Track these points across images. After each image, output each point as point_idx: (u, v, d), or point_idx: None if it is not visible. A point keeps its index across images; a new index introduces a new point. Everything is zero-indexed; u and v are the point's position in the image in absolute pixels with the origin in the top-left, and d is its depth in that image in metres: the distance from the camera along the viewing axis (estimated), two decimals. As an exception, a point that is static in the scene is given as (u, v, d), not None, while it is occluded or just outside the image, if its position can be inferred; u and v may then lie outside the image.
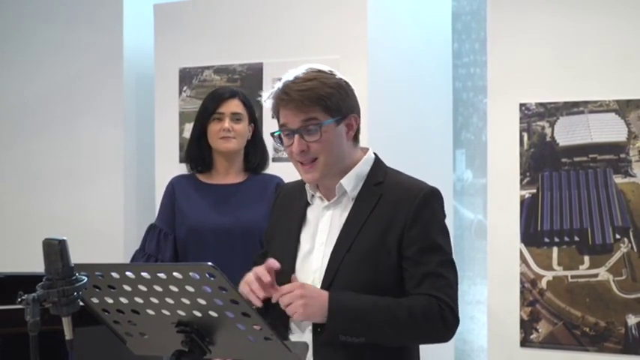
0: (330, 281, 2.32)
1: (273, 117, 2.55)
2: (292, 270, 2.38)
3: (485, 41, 3.98)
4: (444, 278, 2.31)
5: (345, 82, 2.37)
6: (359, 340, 2.26)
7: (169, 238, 3.46)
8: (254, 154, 3.49)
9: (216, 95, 3.48)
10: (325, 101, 2.29)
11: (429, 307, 2.27)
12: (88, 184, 4.88)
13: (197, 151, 3.49)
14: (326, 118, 2.30)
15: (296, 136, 2.31)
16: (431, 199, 2.35)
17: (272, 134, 2.39)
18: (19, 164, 5.05)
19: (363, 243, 2.32)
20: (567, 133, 3.64)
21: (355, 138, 2.41)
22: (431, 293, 2.28)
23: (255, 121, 3.49)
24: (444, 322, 2.29)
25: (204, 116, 3.46)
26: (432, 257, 2.31)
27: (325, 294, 2.26)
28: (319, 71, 2.34)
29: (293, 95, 2.29)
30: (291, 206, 2.50)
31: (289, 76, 2.34)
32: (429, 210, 2.34)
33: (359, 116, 2.40)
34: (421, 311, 2.26)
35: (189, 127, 4.51)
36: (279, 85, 2.34)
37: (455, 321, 2.32)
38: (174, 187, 3.53)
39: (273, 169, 3.63)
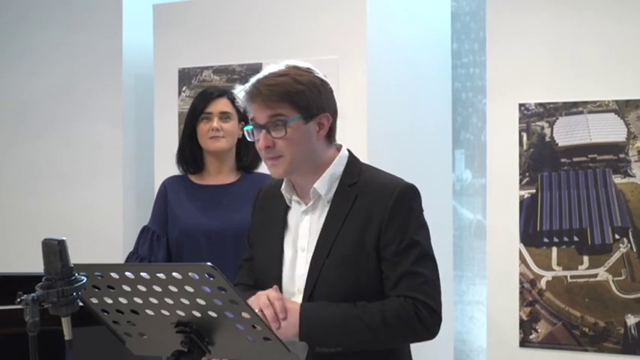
0: (312, 288, 2.31)
1: (243, 111, 2.54)
2: (280, 277, 2.38)
3: (484, 41, 3.98)
4: (419, 275, 2.28)
5: (321, 80, 2.33)
6: (335, 350, 2.25)
7: (162, 241, 3.45)
8: (246, 153, 3.47)
9: (205, 95, 3.48)
10: (293, 97, 2.26)
11: (402, 309, 2.25)
12: (87, 185, 4.88)
13: (188, 152, 3.48)
14: (292, 115, 2.27)
15: (262, 131, 2.29)
16: (407, 196, 2.32)
17: (244, 128, 2.36)
18: (19, 164, 5.05)
19: (341, 248, 2.30)
20: (566, 133, 3.64)
21: (329, 137, 2.37)
22: (405, 294, 2.26)
23: (247, 120, 3.47)
24: (420, 322, 2.26)
25: (194, 116, 3.45)
26: (408, 255, 2.28)
27: (296, 310, 2.26)
28: (294, 67, 2.31)
29: (262, 90, 2.26)
30: (271, 209, 2.48)
31: (265, 71, 2.32)
32: (404, 207, 2.30)
33: (333, 116, 2.36)
34: (394, 314, 2.24)
35: (188, 128, 4.51)
36: (253, 79, 2.32)
37: (434, 318, 2.28)
38: (167, 188, 3.52)
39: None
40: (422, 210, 2.36)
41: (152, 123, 4.68)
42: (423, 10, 4.42)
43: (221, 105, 3.42)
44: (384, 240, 2.28)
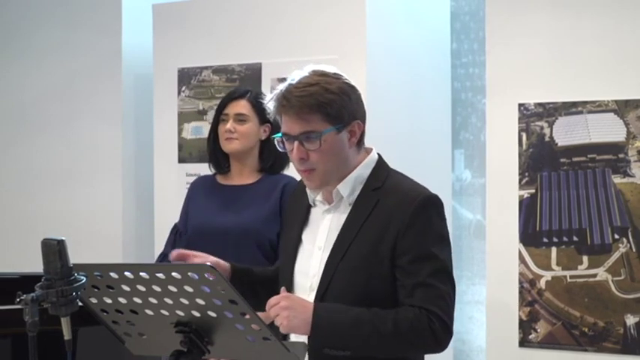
0: (325, 288, 2.31)
1: (273, 119, 2.55)
2: (291, 270, 2.39)
3: (483, 41, 3.98)
4: (435, 289, 2.25)
5: (350, 85, 2.31)
6: (344, 354, 2.23)
7: (183, 238, 3.49)
8: (268, 154, 3.47)
9: (226, 96, 3.52)
10: (326, 108, 2.24)
11: (416, 319, 2.22)
12: (86, 184, 4.88)
13: (211, 152, 3.51)
14: (326, 127, 2.26)
15: (295, 142, 2.27)
16: (427, 206, 2.29)
17: (274, 138, 2.36)
18: (19, 164, 5.05)
19: (356, 251, 2.29)
20: (566, 133, 3.64)
21: (359, 143, 2.36)
22: (421, 305, 2.23)
23: (271, 122, 3.46)
24: (433, 335, 2.23)
25: (215, 117, 3.49)
26: (424, 267, 2.25)
27: (310, 307, 2.24)
28: (323, 75, 2.29)
29: (293, 101, 2.24)
30: (296, 206, 2.49)
31: (293, 78, 2.28)
32: (424, 217, 2.27)
33: (363, 122, 2.35)
34: (407, 324, 2.22)
35: (187, 127, 4.52)
36: (281, 87, 2.29)
37: (446, 333, 2.26)
38: (192, 187, 3.58)
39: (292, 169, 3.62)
40: (444, 222, 2.34)
41: (151, 123, 4.68)
42: (422, 10, 4.42)
43: (238, 107, 3.43)
44: (400, 248, 2.26)
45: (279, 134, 2.32)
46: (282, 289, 2.31)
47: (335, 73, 2.31)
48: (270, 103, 2.31)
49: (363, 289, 2.28)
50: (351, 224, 2.33)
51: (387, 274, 2.27)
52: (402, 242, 2.26)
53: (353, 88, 2.32)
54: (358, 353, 2.25)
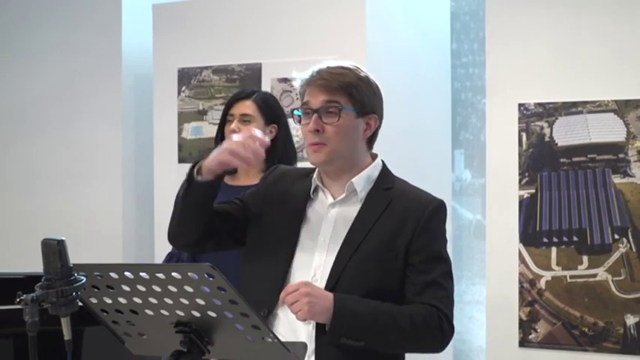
0: (335, 280, 2.33)
1: (297, 97, 2.59)
2: (289, 264, 2.39)
3: (483, 41, 3.98)
4: (444, 289, 2.36)
5: (377, 85, 2.43)
6: (359, 344, 2.28)
7: None
8: (274, 155, 3.47)
9: (232, 97, 3.52)
10: (351, 89, 2.35)
11: (429, 316, 2.31)
12: (86, 184, 4.88)
13: None
14: (347, 105, 2.35)
15: (314, 115, 2.35)
16: (440, 211, 2.41)
17: (292, 111, 2.43)
18: (19, 164, 5.05)
19: (371, 245, 2.35)
20: (566, 133, 3.65)
21: (370, 141, 2.45)
22: (432, 303, 2.32)
23: (278, 123, 3.47)
24: (441, 333, 2.33)
25: (222, 117, 3.49)
26: (436, 267, 2.36)
27: (330, 295, 2.28)
28: (356, 66, 2.42)
29: (324, 75, 2.35)
30: (289, 192, 2.49)
31: (326, 63, 2.41)
32: (437, 221, 2.40)
33: (380, 120, 2.44)
34: (422, 320, 2.30)
35: (187, 127, 4.52)
36: (315, 67, 2.40)
37: (450, 332, 2.36)
38: None
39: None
40: (445, 227, 2.46)
41: (151, 123, 4.68)
42: (422, 10, 4.43)
43: (243, 107, 3.43)
44: (414, 246, 2.35)
45: (299, 111, 2.40)
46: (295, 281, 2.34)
47: (366, 71, 2.44)
48: (298, 80, 2.42)
49: (373, 282, 2.33)
50: (364, 219, 2.38)
51: (398, 270, 2.35)
52: (418, 241, 2.35)
53: (379, 88, 2.44)
54: (372, 345, 2.30)
